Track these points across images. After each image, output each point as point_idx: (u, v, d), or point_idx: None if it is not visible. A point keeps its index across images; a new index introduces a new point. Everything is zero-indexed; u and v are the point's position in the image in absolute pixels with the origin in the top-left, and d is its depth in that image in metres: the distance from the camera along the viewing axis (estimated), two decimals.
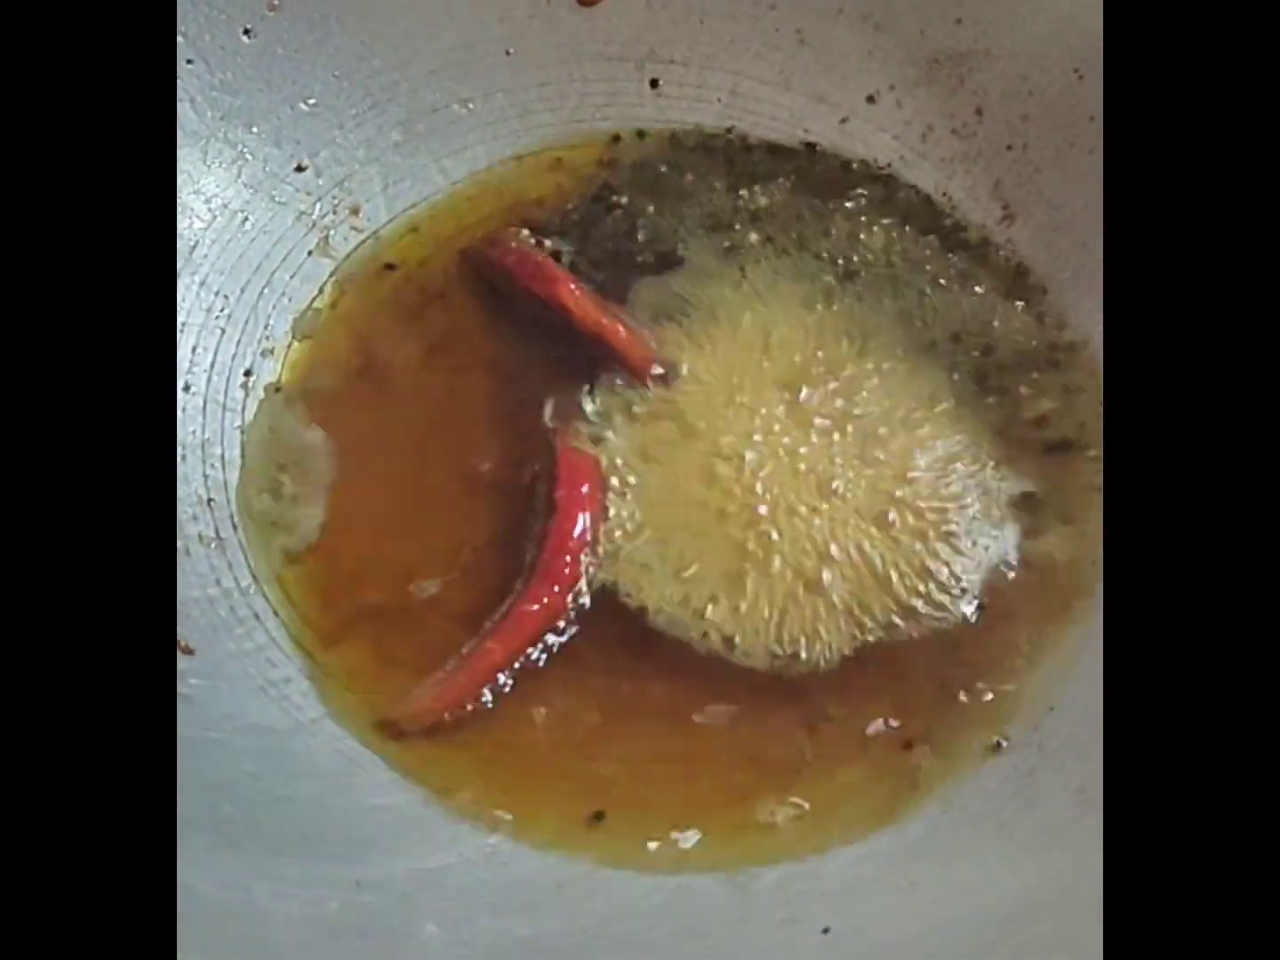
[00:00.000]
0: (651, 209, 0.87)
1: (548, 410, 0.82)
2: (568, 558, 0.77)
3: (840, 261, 0.84)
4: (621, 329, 0.82)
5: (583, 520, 0.78)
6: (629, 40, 0.89)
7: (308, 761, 0.73)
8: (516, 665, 0.75)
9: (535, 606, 0.76)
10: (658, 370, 0.81)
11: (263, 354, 0.84)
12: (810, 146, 0.89)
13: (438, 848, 0.71)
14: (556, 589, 0.76)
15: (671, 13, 0.88)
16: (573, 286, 0.83)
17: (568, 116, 0.90)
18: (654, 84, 0.90)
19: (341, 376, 0.84)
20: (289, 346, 0.84)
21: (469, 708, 0.74)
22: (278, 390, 0.83)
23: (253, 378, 0.83)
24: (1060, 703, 0.75)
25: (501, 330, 0.84)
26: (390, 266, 0.86)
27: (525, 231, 0.86)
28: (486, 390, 0.83)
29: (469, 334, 0.84)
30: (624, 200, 0.87)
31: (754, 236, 0.85)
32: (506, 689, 0.75)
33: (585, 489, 0.78)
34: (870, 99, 0.88)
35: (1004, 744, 0.74)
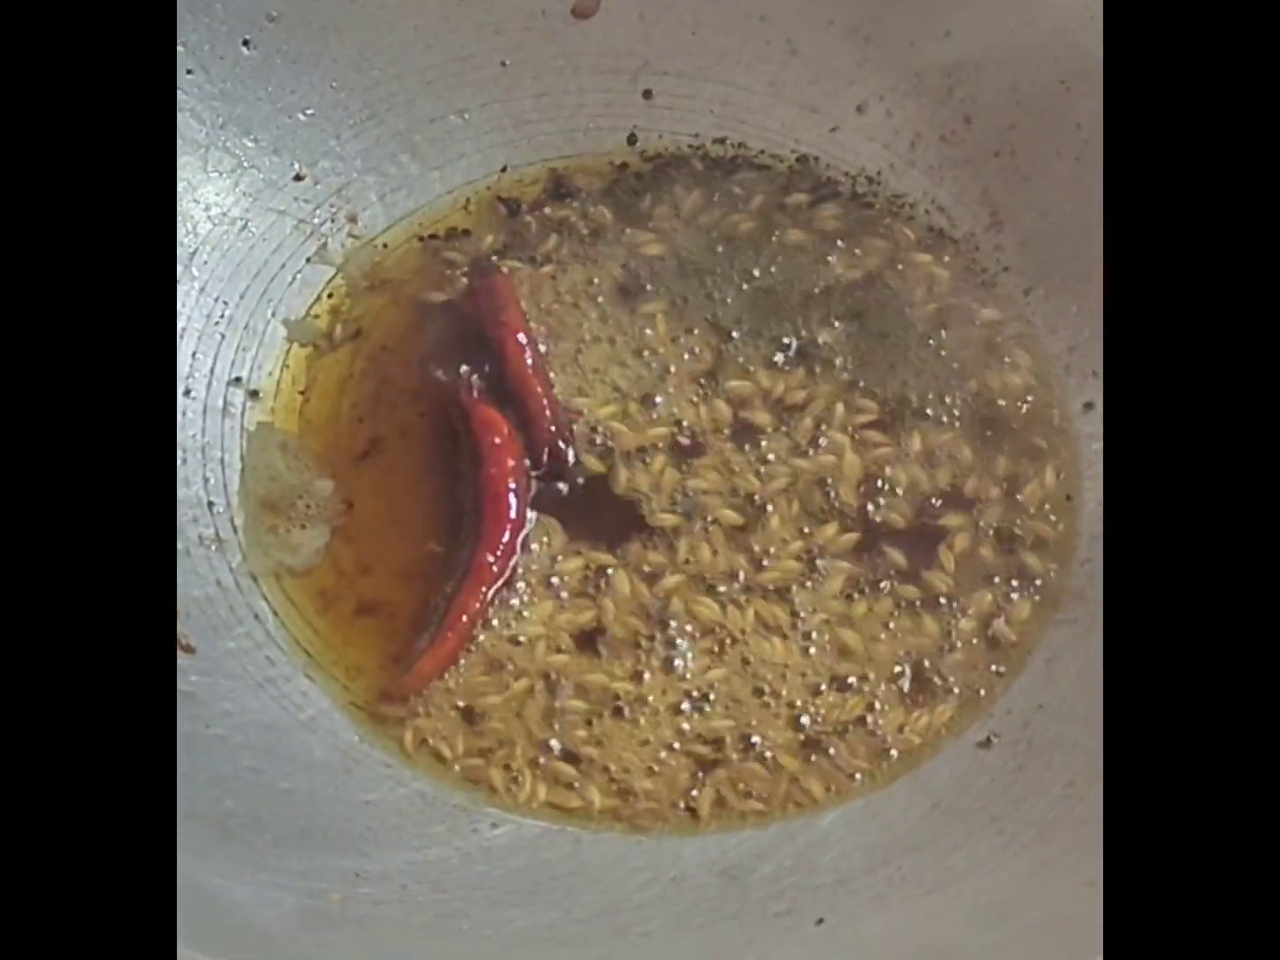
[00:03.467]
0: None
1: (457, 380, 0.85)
2: (508, 499, 0.81)
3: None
4: (543, 401, 0.84)
5: (509, 462, 0.81)
6: (623, 52, 0.91)
7: (306, 757, 0.75)
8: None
9: (487, 555, 0.79)
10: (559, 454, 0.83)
11: (260, 361, 0.86)
12: (801, 157, 0.91)
13: (435, 841, 0.73)
14: (505, 531, 0.80)
15: (665, 25, 0.90)
16: (521, 338, 0.85)
17: (563, 127, 0.92)
18: (647, 95, 0.92)
19: (335, 412, 0.86)
20: (287, 353, 0.86)
21: (460, 661, 0.78)
22: (272, 421, 0.85)
23: (249, 385, 0.86)
24: (1049, 700, 0.76)
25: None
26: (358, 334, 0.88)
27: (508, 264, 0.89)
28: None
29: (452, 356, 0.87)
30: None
31: None
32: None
33: (504, 434, 0.82)
34: (860, 109, 0.91)
35: (994, 740, 0.76)
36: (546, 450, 0.83)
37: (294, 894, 0.67)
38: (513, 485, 0.81)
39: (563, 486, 0.82)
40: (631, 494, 0.82)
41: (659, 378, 0.85)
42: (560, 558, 0.80)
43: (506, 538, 0.80)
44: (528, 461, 0.82)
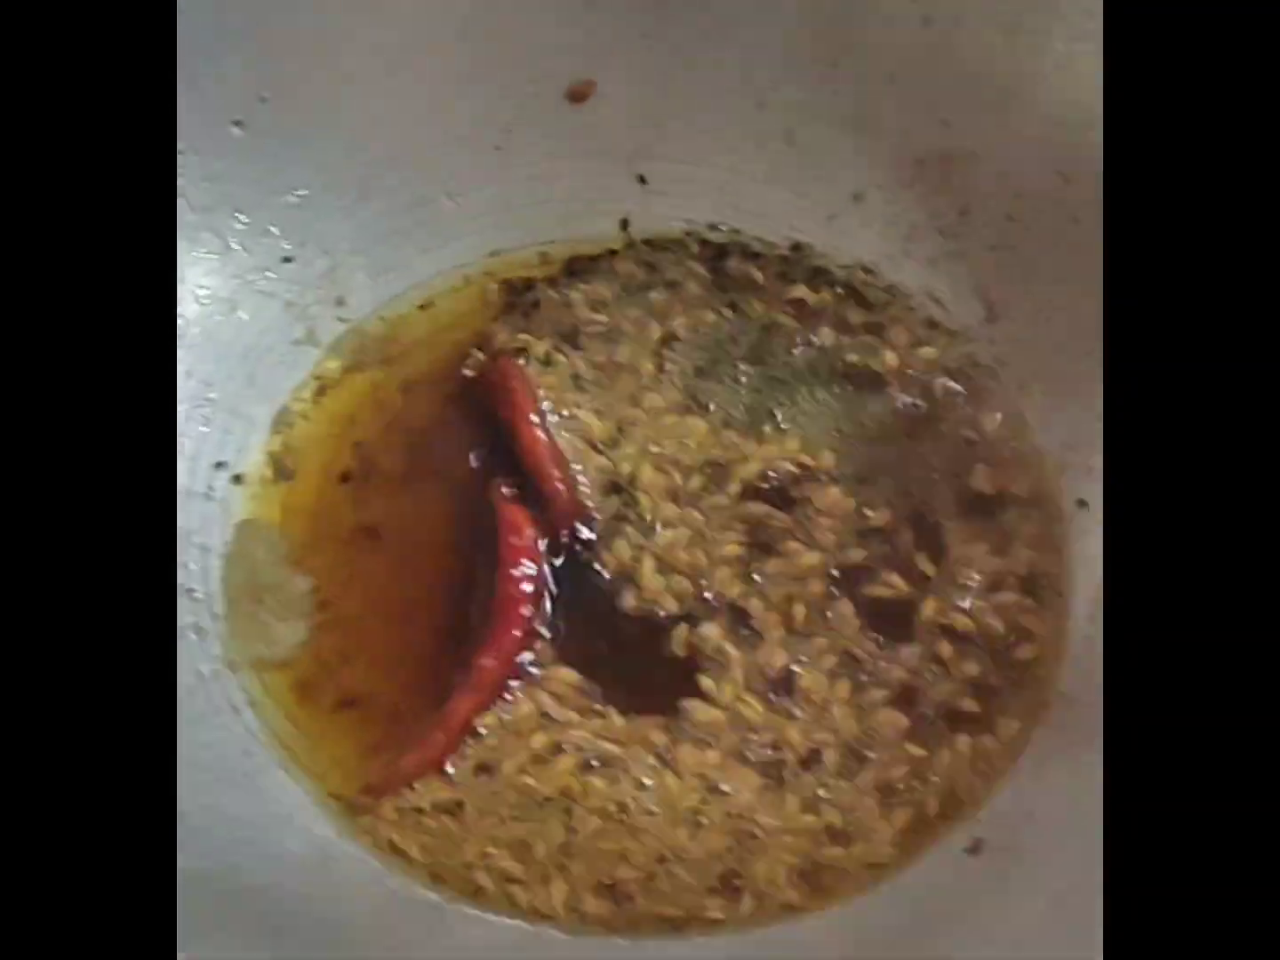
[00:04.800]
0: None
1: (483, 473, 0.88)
2: (521, 605, 0.82)
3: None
4: (559, 485, 0.85)
5: (527, 566, 0.83)
6: (618, 137, 0.93)
7: (285, 852, 0.76)
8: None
9: (492, 660, 0.80)
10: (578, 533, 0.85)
11: (245, 445, 0.88)
12: (796, 245, 0.93)
13: (411, 941, 0.74)
14: (513, 638, 0.81)
15: (660, 111, 0.92)
16: (533, 418, 0.87)
17: (555, 211, 0.94)
18: (642, 180, 0.94)
19: (320, 498, 0.88)
20: (271, 437, 0.89)
21: (446, 767, 0.79)
22: (254, 511, 0.87)
23: (233, 470, 0.88)
24: (1038, 807, 0.77)
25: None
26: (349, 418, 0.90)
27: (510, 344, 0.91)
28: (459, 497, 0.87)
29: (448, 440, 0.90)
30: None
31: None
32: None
33: (528, 535, 0.83)
34: (857, 197, 0.92)
35: (982, 846, 0.76)
36: (564, 536, 0.84)
37: None
38: (527, 590, 0.82)
39: (576, 593, 0.84)
40: (645, 603, 0.84)
41: (668, 464, 0.87)
42: (559, 675, 0.81)
43: (513, 645, 0.81)
44: (545, 563, 0.84)
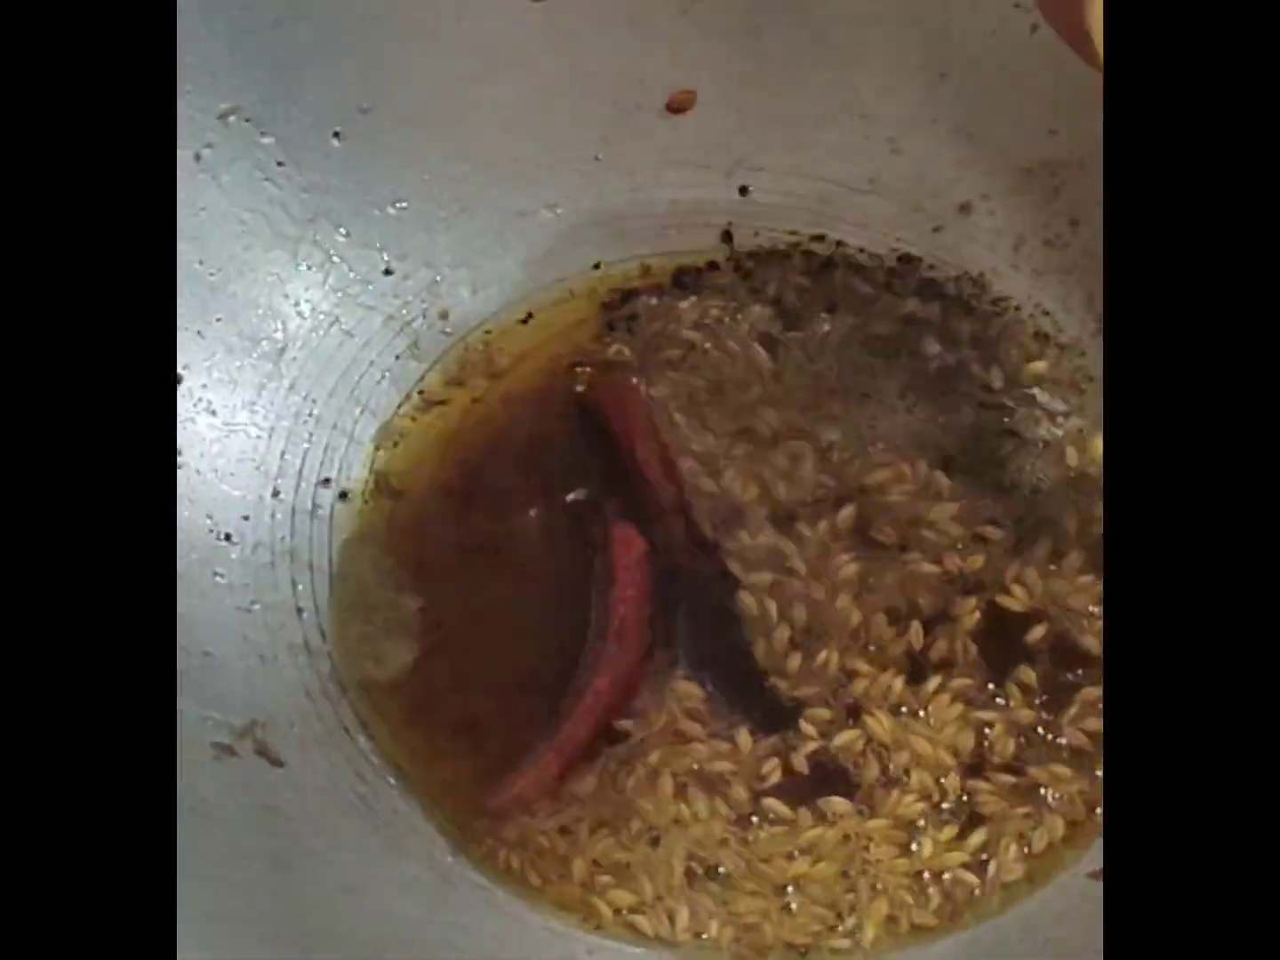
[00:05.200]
0: None
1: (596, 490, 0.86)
2: (635, 626, 0.81)
3: None
4: (676, 502, 0.84)
5: (642, 586, 0.82)
6: (718, 147, 0.92)
7: (402, 877, 0.75)
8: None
9: (607, 681, 0.79)
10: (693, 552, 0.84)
11: (349, 461, 0.88)
12: (903, 257, 0.92)
13: None
14: (628, 656, 0.80)
15: (761, 120, 0.91)
16: (648, 435, 0.86)
17: (657, 223, 0.93)
18: (743, 191, 0.93)
19: (427, 515, 0.87)
20: (376, 452, 0.88)
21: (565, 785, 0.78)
22: (360, 528, 0.87)
23: (339, 487, 0.87)
24: None
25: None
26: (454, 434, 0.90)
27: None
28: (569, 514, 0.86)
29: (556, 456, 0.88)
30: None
31: None
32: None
33: (641, 552, 0.82)
34: (963, 208, 0.91)
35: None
36: (679, 555, 0.83)
37: None
38: (643, 611, 0.81)
39: (692, 614, 0.83)
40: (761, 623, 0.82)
41: (781, 482, 0.86)
42: (677, 692, 0.80)
43: (629, 666, 0.80)
44: (660, 583, 0.82)
